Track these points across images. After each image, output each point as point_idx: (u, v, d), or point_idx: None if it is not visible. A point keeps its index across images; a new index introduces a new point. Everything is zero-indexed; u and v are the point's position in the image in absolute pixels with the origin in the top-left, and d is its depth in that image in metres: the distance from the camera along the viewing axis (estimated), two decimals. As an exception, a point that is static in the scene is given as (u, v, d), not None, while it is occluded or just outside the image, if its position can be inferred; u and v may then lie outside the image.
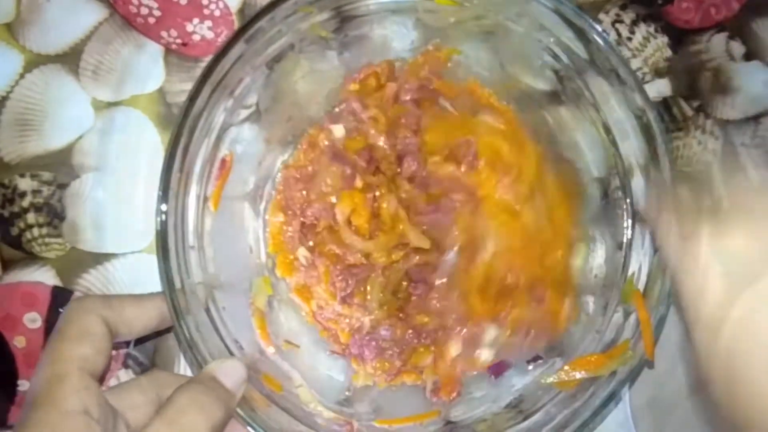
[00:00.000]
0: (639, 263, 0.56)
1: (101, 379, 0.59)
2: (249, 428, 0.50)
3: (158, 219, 0.48)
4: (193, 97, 0.49)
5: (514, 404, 0.58)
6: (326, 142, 0.61)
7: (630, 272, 0.56)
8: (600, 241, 0.61)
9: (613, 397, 0.53)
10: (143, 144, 0.65)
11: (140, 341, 0.64)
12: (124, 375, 0.64)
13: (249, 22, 0.51)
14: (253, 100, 0.59)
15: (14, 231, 0.64)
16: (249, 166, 0.60)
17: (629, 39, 0.70)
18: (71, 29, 0.66)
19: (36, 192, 0.64)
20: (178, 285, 0.50)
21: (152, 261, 0.55)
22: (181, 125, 0.48)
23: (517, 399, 0.59)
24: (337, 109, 0.62)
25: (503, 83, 0.63)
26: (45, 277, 0.64)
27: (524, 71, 0.62)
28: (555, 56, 0.58)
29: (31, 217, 0.64)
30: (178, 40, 0.67)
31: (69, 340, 0.44)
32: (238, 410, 0.50)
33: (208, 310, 0.54)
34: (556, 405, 0.56)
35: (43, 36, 0.66)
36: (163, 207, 0.48)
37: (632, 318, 0.55)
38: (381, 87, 0.62)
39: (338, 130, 0.60)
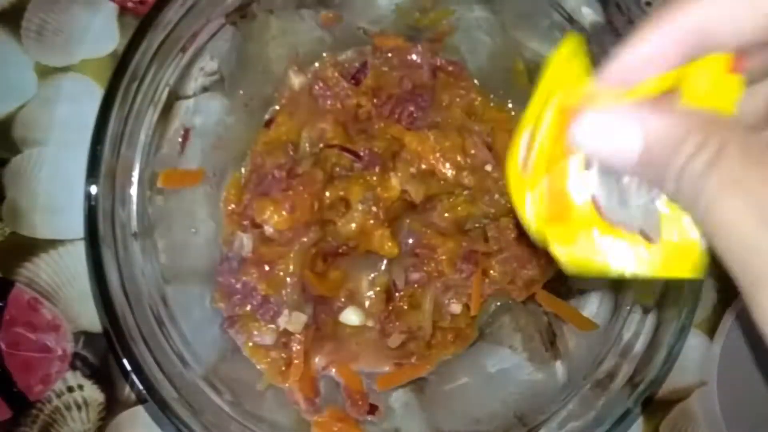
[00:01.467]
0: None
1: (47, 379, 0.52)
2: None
3: (86, 204, 0.40)
4: (129, 52, 0.40)
5: (518, 416, 0.52)
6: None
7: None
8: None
9: (626, 416, 0.46)
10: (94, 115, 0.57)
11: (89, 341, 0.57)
12: (71, 377, 0.56)
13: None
14: (214, 67, 0.51)
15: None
16: (208, 141, 0.52)
17: (648, 4, 0.63)
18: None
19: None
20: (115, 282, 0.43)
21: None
22: (113, 86, 0.40)
23: (519, 412, 0.53)
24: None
25: (506, 54, 0.56)
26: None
27: (530, 34, 0.54)
28: (569, 18, 0.51)
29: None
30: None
31: None
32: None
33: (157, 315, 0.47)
34: (562, 420, 0.49)
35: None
36: (93, 189, 0.40)
37: (652, 319, 0.48)
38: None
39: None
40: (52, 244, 0.57)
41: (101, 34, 0.59)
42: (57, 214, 0.58)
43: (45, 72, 0.58)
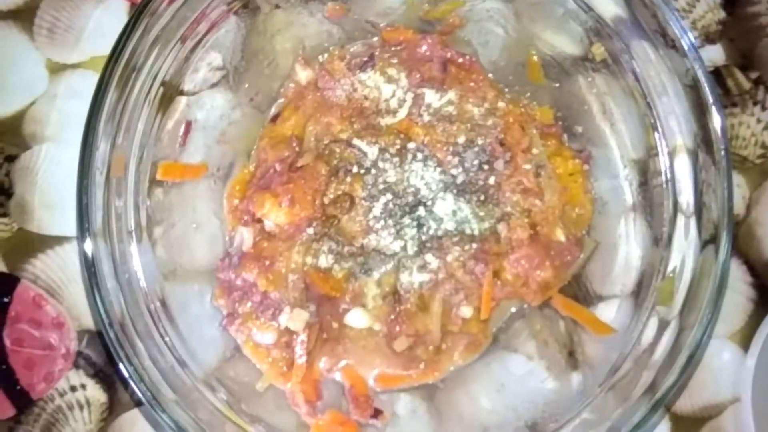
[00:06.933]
0: (681, 258, 0.47)
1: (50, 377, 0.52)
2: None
3: (78, 194, 0.39)
4: (123, 38, 0.40)
5: (529, 425, 0.50)
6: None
7: (670, 269, 0.48)
8: (632, 235, 0.52)
9: (643, 424, 0.42)
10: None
11: (93, 339, 0.56)
12: (74, 376, 0.56)
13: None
14: (219, 61, 0.51)
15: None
16: (212, 136, 0.51)
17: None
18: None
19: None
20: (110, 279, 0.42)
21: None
22: (106, 73, 0.39)
23: (530, 420, 0.50)
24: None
25: (520, 46, 0.54)
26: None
27: (543, 24, 0.52)
28: (586, 7, 0.50)
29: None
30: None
31: None
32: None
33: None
34: (574, 429, 0.46)
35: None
36: (85, 180, 0.40)
37: (672, 324, 0.45)
38: None
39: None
40: (58, 240, 0.57)
41: (112, 32, 0.58)
42: (65, 211, 0.58)
43: (56, 69, 0.59)
